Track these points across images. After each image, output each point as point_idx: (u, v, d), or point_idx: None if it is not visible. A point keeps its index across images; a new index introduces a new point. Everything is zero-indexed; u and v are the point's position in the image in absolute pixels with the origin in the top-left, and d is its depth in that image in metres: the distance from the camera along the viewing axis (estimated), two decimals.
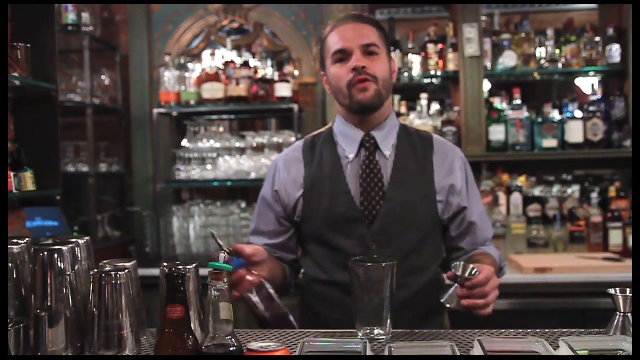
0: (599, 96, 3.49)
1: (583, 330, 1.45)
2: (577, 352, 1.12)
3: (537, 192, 3.52)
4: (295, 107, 3.52)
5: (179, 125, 3.89)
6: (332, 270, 1.73)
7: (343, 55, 1.73)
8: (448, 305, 1.48)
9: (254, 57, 3.73)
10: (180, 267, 1.36)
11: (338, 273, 1.69)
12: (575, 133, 3.37)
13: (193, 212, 3.57)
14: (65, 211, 3.22)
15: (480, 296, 1.45)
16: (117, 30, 4.00)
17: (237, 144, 3.64)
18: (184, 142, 3.71)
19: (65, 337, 1.27)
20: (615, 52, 3.36)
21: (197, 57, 3.85)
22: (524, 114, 3.44)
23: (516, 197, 3.40)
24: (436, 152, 1.81)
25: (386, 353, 1.16)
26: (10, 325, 1.25)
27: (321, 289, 1.77)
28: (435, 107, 3.56)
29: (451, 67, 3.45)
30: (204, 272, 1.27)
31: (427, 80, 3.62)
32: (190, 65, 3.68)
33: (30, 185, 2.11)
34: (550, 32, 3.48)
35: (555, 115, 3.47)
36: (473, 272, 1.45)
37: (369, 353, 1.18)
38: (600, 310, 2.66)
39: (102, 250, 3.47)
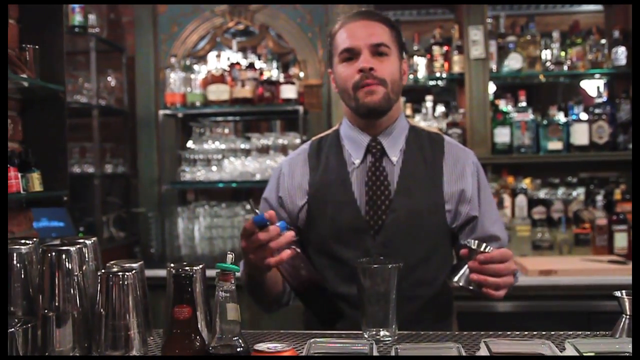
0: (604, 98, 3.48)
1: (589, 333, 1.45)
2: (584, 354, 1.12)
3: (542, 194, 3.52)
4: (301, 108, 3.53)
5: (184, 127, 3.90)
6: (335, 281, 1.66)
7: (350, 55, 1.66)
8: (456, 284, 1.44)
9: (259, 59, 3.74)
10: (187, 267, 1.36)
11: (342, 285, 1.64)
12: (580, 135, 3.37)
13: (198, 213, 3.58)
14: (71, 212, 3.23)
15: (492, 273, 1.41)
16: (123, 31, 4.02)
17: (242, 146, 3.65)
18: (189, 144, 3.72)
19: (73, 337, 1.27)
20: (621, 54, 3.36)
21: (202, 59, 3.86)
22: (529, 116, 3.44)
23: (521, 200, 3.39)
24: (447, 156, 1.73)
25: (392, 354, 1.16)
26: (18, 325, 1.25)
27: (324, 298, 1.67)
28: (441, 109, 3.56)
29: (456, 69, 3.45)
30: (210, 273, 1.28)
31: (432, 82, 3.62)
32: (195, 67, 3.69)
33: (37, 186, 2.12)
34: (555, 34, 3.48)
35: (561, 117, 3.47)
36: (487, 249, 1.43)
37: (376, 354, 1.18)
38: (605, 312, 2.65)
39: (107, 250, 3.48)
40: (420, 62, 3.49)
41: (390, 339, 1.39)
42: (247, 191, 3.88)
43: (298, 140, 3.51)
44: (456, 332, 1.55)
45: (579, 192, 3.50)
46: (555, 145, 3.40)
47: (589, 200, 3.43)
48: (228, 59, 3.73)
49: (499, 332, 1.47)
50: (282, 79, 3.59)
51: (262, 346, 1.11)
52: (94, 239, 1.47)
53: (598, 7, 3.80)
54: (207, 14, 3.90)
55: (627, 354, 1.15)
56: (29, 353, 1.25)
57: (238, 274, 1.19)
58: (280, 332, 1.50)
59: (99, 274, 1.26)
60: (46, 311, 1.27)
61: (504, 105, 3.50)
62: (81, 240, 1.40)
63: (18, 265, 1.37)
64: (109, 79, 3.80)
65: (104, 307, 1.22)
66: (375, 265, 1.41)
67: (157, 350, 1.38)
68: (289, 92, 3.53)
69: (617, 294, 1.29)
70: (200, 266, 1.38)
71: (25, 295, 1.36)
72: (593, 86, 3.67)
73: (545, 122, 3.44)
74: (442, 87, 3.76)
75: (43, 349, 1.26)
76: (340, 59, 1.68)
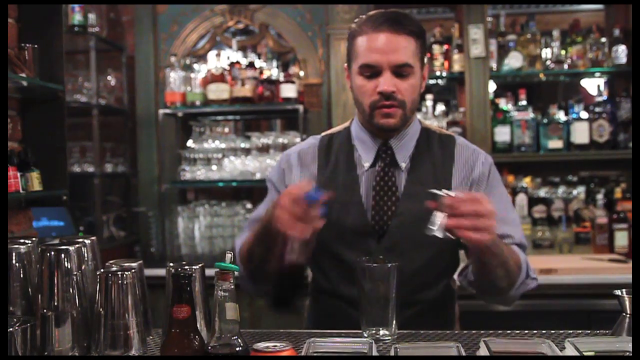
0: (604, 97, 3.48)
1: (589, 332, 1.44)
2: (583, 353, 1.12)
3: (543, 193, 3.52)
4: (301, 107, 3.52)
5: (184, 126, 3.90)
6: (336, 282, 1.65)
7: (371, 71, 1.58)
8: (433, 233, 1.37)
9: (259, 58, 3.74)
10: (187, 267, 1.36)
11: (344, 285, 1.63)
12: (580, 134, 3.37)
13: (198, 212, 3.58)
14: (71, 211, 3.23)
15: (467, 216, 1.34)
16: (123, 30, 4.01)
17: (242, 145, 3.64)
18: (189, 143, 3.72)
19: (72, 337, 1.27)
20: (621, 52, 3.35)
21: (202, 58, 3.86)
22: (530, 114, 3.43)
23: (521, 198, 3.39)
24: (457, 159, 1.69)
25: (392, 353, 1.16)
26: (17, 324, 1.25)
27: (326, 300, 1.70)
28: (441, 108, 3.56)
29: (456, 67, 3.45)
30: (209, 272, 1.28)
31: (432, 81, 3.61)
32: (195, 66, 3.69)
33: (36, 185, 2.12)
34: (556, 33, 3.47)
35: (561, 116, 3.46)
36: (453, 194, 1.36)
37: (375, 353, 1.18)
38: (605, 311, 2.65)
39: (107, 250, 3.47)
40: None
41: (389, 338, 1.39)
42: (247, 190, 3.88)
43: (298, 139, 3.50)
44: (456, 331, 1.54)
45: (580, 191, 3.50)
46: (555, 144, 3.39)
47: (590, 199, 3.43)
48: (228, 58, 3.73)
49: (499, 331, 1.47)
50: (282, 78, 3.58)
51: (261, 345, 1.11)
52: (93, 238, 1.47)
53: (598, 5, 3.79)
54: (207, 13, 3.89)
55: (627, 353, 1.14)
56: (28, 353, 1.25)
57: (237, 273, 1.19)
58: (280, 331, 1.50)
59: (98, 273, 1.26)
60: (45, 311, 1.27)
61: (504, 104, 3.49)
62: (80, 240, 1.40)
63: (17, 264, 1.37)
64: (109, 78, 3.80)
65: (103, 307, 1.22)
66: (374, 265, 1.40)
67: (156, 349, 1.38)
68: (288, 91, 3.53)
69: (617, 292, 1.29)
70: (199, 266, 1.38)
71: (24, 295, 1.37)
72: (593, 85, 3.67)
73: (545, 120, 3.43)
74: (442, 86, 3.76)
75: (42, 348, 1.26)
76: (360, 70, 1.60)
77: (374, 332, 1.40)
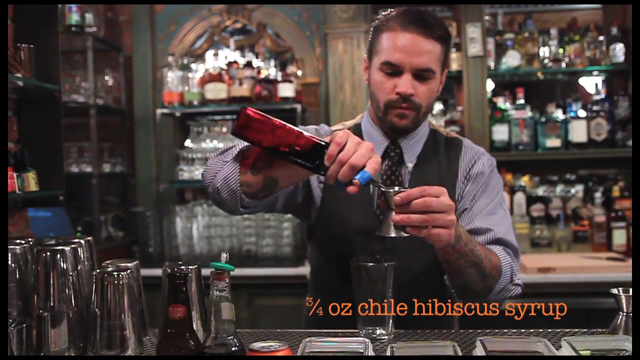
0: (602, 95, 3.48)
1: (586, 330, 1.44)
2: (579, 352, 1.12)
3: (541, 191, 3.52)
4: (298, 107, 3.52)
5: (182, 126, 3.89)
6: (337, 281, 1.63)
7: (392, 70, 1.56)
8: (382, 234, 1.32)
9: (257, 57, 3.74)
10: (182, 267, 1.36)
11: (344, 285, 1.57)
12: (578, 132, 3.36)
13: (196, 212, 3.58)
14: (69, 211, 3.23)
15: (417, 211, 1.27)
16: (120, 30, 4.01)
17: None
18: (187, 142, 3.72)
19: (68, 337, 1.27)
20: (619, 51, 3.35)
21: (200, 58, 3.86)
22: (527, 113, 3.43)
23: (519, 197, 3.39)
24: (461, 163, 1.68)
25: (388, 353, 1.16)
26: (13, 325, 1.25)
27: (327, 300, 1.64)
28: (439, 106, 3.56)
29: (454, 66, 3.45)
30: (206, 272, 1.28)
31: None
32: (193, 66, 3.68)
33: (33, 186, 2.12)
34: (553, 32, 3.47)
35: (559, 114, 3.46)
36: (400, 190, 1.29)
37: (371, 353, 1.18)
38: (603, 310, 2.65)
39: (105, 250, 3.48)
40: None
41: (386, 337, 1.39)
42: None
43: None
44: (452, 331, 1.54)
45: (578, 189, 3.50)
46: (553, 142, 3.39)
47: (588, 197, 3.42)
48: (225, 57, 3.73)
49: (496, 330, 1.47)
50: (279, 78, 3.58)
51: (257, 345, 1.11)
52: (89, 238, 1.47)
53: (596, 4, 3.79)
54: (204, 13, 3.89)
55: (624, 352, 1.14)
56: (23, 353, 1.25)
57: (233, 273, 1.18)
58: (277, 331, 1.50)
59: (94, 273, 1.26)
60: (41, 311, 1.26)
61: (502, 102, 3.49)
62: (76, 240, 1.40)
63: (13, 265, 1.37)
64: (107, 78, 3.80)
65: (99, 307, 1.22)
66: (370, 264, 1.40)
67: (152, 350, 1.38)
68: (286, 90, 3.52)
69: (614, 291, 1.28)
70: (195, 265, 1.38)
71: (20, 295, 1.36)
72: (591, 83, 3.66)
73: (543, 119, 3.43)
74: None
75: (38, 349, 1.26)
76: (380, 67, 1.58)
77: (370, 331, 1.40)
